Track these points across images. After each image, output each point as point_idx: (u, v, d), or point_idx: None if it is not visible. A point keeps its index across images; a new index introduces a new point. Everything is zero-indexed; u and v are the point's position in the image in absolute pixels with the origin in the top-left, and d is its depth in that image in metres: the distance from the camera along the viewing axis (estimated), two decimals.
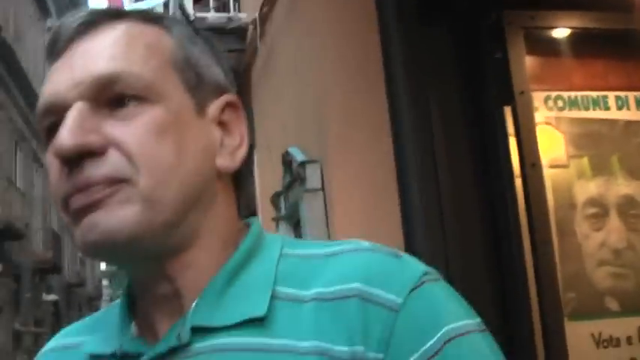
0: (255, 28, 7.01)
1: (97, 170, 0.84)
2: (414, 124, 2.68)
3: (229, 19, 7.64)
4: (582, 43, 3.03)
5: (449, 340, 0.80)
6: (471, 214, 2.74)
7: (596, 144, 3.05)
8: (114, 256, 0.90)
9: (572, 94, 3.02)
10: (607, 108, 3.06)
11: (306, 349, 0.81)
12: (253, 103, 7.20)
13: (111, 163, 0.84)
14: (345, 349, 0.80)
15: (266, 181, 6.76)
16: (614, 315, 2.91)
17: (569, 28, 3.00)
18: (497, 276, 2.68)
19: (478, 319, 0.85)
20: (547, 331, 2.62)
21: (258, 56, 7.19)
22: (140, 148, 0.85)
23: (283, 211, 5.83)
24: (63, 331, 1.07)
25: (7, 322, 22.11)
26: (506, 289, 2.68)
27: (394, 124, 2.70)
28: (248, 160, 0.96)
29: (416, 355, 0.79)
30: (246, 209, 1.01)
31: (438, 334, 0.80)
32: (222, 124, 0.94)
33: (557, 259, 2.76)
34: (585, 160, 3.01)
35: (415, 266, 0.87)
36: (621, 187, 3.02)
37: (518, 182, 2.74)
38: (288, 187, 5.47)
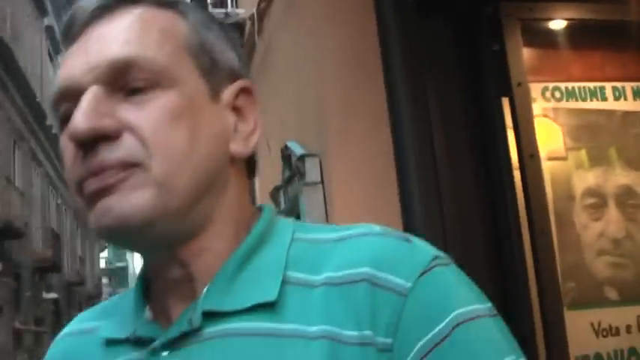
0: (253, 24, 7.01)
1: (111, 154, 0.84)
2: (412, 116, 2.69)
3: (227, 14, 7.64)
4: (579, 34, 3.05)
5: (458, 324, 0.80)
6: (470, 205, 2.75)
7: (594, 136, 3.07)
8: (127, 240, 0.89)
9: (570, 85, 3.03)
10: (604, 99, 3.08)
11: (315, 334, 0.82)
12: None
13: (125, 148, 0.84)
14: (354, 333, 0.80)
15: (265, 175, 6.77)
16: (613, 304, 2.92)
17: (567, 19, 3.01)
18: (496, 265, 2.69)
19: (489, 304, 0.85)
20: (547, 320, 2.63)
21: (256, 52, 7.19)
22: (154, 132, 0.85)
23: (283, 206, 5.84)
24: (79, 316, 1.08)
25: (7, 321, 22.11)
26: (506, 278, 2.69)
27: (392, 116, 2.71)
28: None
29: (424, 340, 0.79)
30: None
31: (447, 319, 0.80)
32: (236, 109, 0.94)
33: (556, 250, 2.77)
34: (583, 152, 3.02)
35: (425, 250, 0.86)
36: (619, 177, 3.03)
37: (516, 174, 2.75)
38: (287, 182, 5.48)
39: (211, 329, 0.86)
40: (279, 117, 6.13)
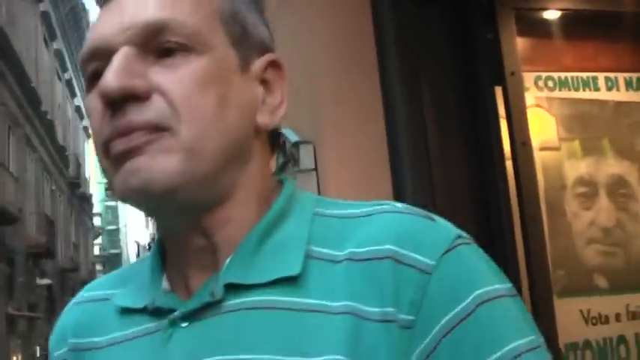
0: None
1: (140, 115, 0.84)
2: (405, 105, 2.70)
3: None
4: (573, 24, 3.06)
5: (481, 303, 0.80)
6: (462, 193, 2.77)
7: (587, 126, 3.09)
8: (152, 204, 0.89)
9: (563, 74, 3.05)
10: (597, 89, 3.10)
11: (338, 309, 0.82)
12: None
13: (154, 109, 0.84)
14: (376, 310, 0.81)
15: None
16: (603, 292, 2.95)
17: (560, 9, 3.02)
18: (487, 254, 2.71)
19: (509, 284, 0.85)
20: (536, 308, 2.65)
21: None
22: (184, 97, 0.85)
23: None
24: (91, 284, 1.08)
25: (0, 307, 22.12)
26: (497, 266, 2.70)
27: (386, 104, 2.72)
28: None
29: (447, 318, 0.80)
30: None
31: (470, 297, 0.80)
32: (264, 82, 0.94)
33: (547, 238, 2.78)
34: (577, 143, 3.04)
35: (448, 229, 0.87)
36: (611, 167, 3.05)
37: (509, 165, 2.76)
38: (281, 168, 5.48)
39: (233, 301, 0.86)
40: None
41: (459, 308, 0.80)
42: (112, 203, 72.49)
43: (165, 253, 0.97)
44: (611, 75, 3.12)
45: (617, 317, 2.91)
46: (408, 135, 2.70)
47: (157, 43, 0.86)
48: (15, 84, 25.44)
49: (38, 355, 26.98)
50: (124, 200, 0.87)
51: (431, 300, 0.80)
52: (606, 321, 2.89)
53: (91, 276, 46.38)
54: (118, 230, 73.57)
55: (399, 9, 2.73)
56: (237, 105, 0.89)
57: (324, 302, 0.83)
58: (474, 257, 0.85)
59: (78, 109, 45.16)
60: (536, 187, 2.77)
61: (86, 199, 47.38)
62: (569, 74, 3.06)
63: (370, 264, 0.83)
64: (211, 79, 0.87)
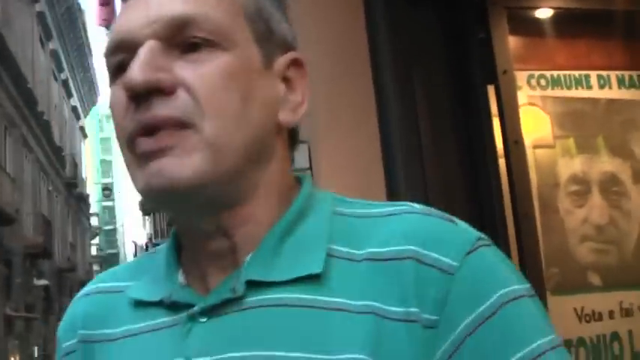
0: None
1: (165, 109, 0.84)
2: (399, 104, 2.71)
3: None
4: (565, 23, 3.07)
5: (504, 303, 0.81)
6: (455, 191, 2.78)
7: (580, 124, 3.10)
8: (174, 204, 0.89)
9: (555, 73, 3.06)
10: (589, 87, 3.11)
11: (360, 308, 0.82)
12: None
13: (179, 104, 0.84)
14: (399, 309, 0.81)
15: None
16: (596, 290, 2.96)
17: (552, 8, 3.03)
18: None
19: (528, 285, 0.85)
20: None
21: None
22: (208, 92, 0.85)
23: None
24: (98, 277, 1.07)
25: None
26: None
27: (380, 103, 2.73)
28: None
29: (471, 317, 0.80)
30: None
31: (493, 297, 0.81)
32: (286, 79, 0.94)
33: (540, 235, 2.80)
34: (571, 141, 3.05)
35: (469, 231, 0.87)
36: (604, 164, 3.06)
37: (502, 162, 2.77)
38: None
39: (254, 298, 0.86)
40: None
41: (482, 308, 0.80)
42: (109, 203, 72.46)
43: (181, 247, 0.97)
44: (604, 73, 3.13)
45: (611, 314, 2.92)
46: (401, 133, 2.72)
47: (182, 38, 0.86)
48: (11, 84, 25.44)
49: (36, 355, 26.96)
50: (146, 197, 0.88)
51: (454, 300, 0.81)
52: (600, 318, 2.91)
53: (89, 276, 46.34)
54: (115, 230, 73.56)
55: (391, 8, 2.75)
56: (260, 102, 0.89)
57: (345, 301, 0.83)
58: (495, 258, 0.85)
59: (74, 109, 45.13)
60: (529, 184, 2.79)
61: (83, 200, 47.38)
62: (561, 72, 3.07)
63: (392, 264, 0.83)
64: (236, 75, 0.87)
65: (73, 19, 40.93)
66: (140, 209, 27.66)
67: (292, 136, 0.97)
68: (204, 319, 0.87)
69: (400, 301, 0.81)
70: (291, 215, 0.90)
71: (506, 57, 2.80)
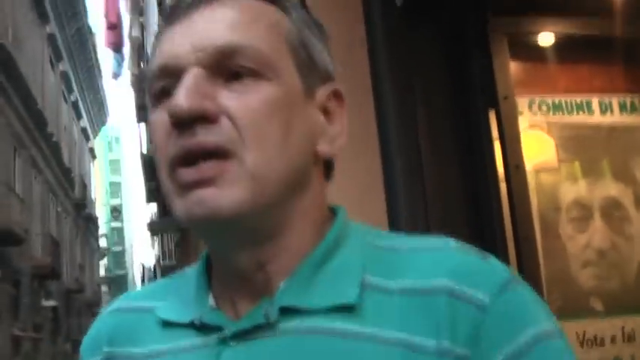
0: None
1: (208, 136, 0.85)
2: (400, 127, 2.72)
3: None
4: (566, 48, 3.07)
5: (535, 341, 0.82)
6: (456, 216, 2.78)
7: (584, 148, 3.10)
8: (214, 232, 0.90)
9: (557, 98, 3.06)
10: (591, 112, 3.11)
11: (393, 340, 0.83)
12: None
13: (223, 132, 0.85)
14: (432, 342, 0.82)
15: None
16: (598, 315, 2.95)
17: (553, 33, 3.04)
18: None
19: (558, 324, 0.87)
20: None
21: None
22: (251, 122, 0.85)
23: None
24: (129, 294, 1.08)
25: (5, 328, 22.11)
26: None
27: (381, 127, 2.75)
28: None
29: (503, 354, 0.81)
30: None
31: (525, 335, 0.82)
32: (325, 110, 0.95)
33: (541, 260, 2.79)
34: (576, 165, 3.05)
35: (502, 268, 0.89)
36: (606, 189, 3.06)
37: (503, 186, 2.78)
38: None
39: (287, 325, 0.86)
40: None
41: (514, 345, 0.82)
42: (117, 224, 72.51)
43: (211, 269, 0.97)
44: (605, 98, 3.13)
45: (613, 339, 2.90)
46: (402, 156, 2.73)
47: (227, 67, 0.87)
48: (21, 105, 25.57)
49: None
50: (186, 225, 0.88)
51: (487, 336, 0.82)
52: (602, 343, 2.89)
53: (97, 297, 46.38)
54: (123, 252, 73.56)
55: (392, 35, 2.77)
56: (300, 133, 0.89)
57: (378, 332, 0.84)
58: (527, 297, 0.87)
59: (84, 130, 45.30)
60: (530, 208, 2.79)
61: (92, 221, 47.46)
62: (562, 98, 3.07)
63: (426, 297, 0.85)
64: (279, 106, 0.87)
65: (83, 41, 41.19)
66: (148, 230, 27.66)
67: (327, 167, 0.98)
68: (235, 343, 0.88)
69: (434, 334, 0.82)
70: (326, 245, 0.91)
71: (507, 83, 2.81)
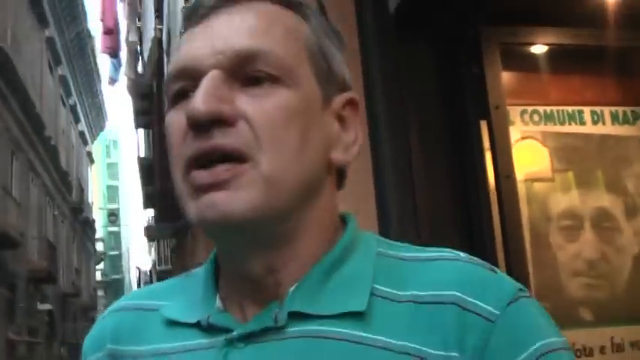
0: None
1: (225, 139, 0.85)
2: (391, 137, 2.73)
3: None
4: (558, 58, 3.09)
5: (542, 354, 0.83)
6: (447, 226, 2.79)
7: (578, 158, 3.11)
8: (225, 236, 0.91)
9: (548, 108, 3.07)
10: (582, 122, 3.12)
11: (400, 348, 0.84)
12: None
13: (240, 135, 0.85)
14: (440, 353, 0.83)
15: None
16: (587, 325, 2.95)
17: (545, 44, 3.05)
18: None
19: (565, 338, 0.87)
20: None
21: None
22: (268, 127, 0.86)
23: None
24: (135, 292, 1.09)
25: (1, 331, 22.07)
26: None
27: (372, 137, 2.75)
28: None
29: None
30: None
31: (532, 348, 0.83)
32: (340, 118, 0.95)
33: (530, 269, 2.80)
34: (570, 175, 3.06)
35: (510, 282, 0.89)
36: (597, 199, 3.07)
37: (494, 197, 2.78)
38: None
39: (295, 329, 0.87)
40: None
41: (521, 358, 0.82)
42: (114, 229, 72.45)
43: (219, 271, 0.97)
44: (597, 108, 3.14)
45: (602, 350, 2.91)
46: (394, 166, 2.73)
47: (245, 71, 0.87)
48: (19, 109, 25.57)
49: None
50: (198, 226, 0.89)
51: (494, 348, 0.82)
52: (591, 353, 2.89)
53: (93, 301, 46.28)
54: (120, 256, 73.47)
55: (385, 45, 2.78)
56: (316, 140, 0.90)
57: (386, 339, 0.84)
58: (534, 310, 0.88)
59: (82, 134, 45.30)
60: (520, 219, 2.79)
61: (89, 225, 47.41)
62: (554, 108, 3.08)
63: (434, 308, 0.85)
64: (296, 112, 0.87)
65: (82, 45, 41.20)
66: (145, 235, 27.65)
67: (340, 175, 0.98)
68: (242, 345, 0.88)
69: (441, 344, 0.83)
70: (337, 252, 0.92)
71: (498, 93, 2.82)
